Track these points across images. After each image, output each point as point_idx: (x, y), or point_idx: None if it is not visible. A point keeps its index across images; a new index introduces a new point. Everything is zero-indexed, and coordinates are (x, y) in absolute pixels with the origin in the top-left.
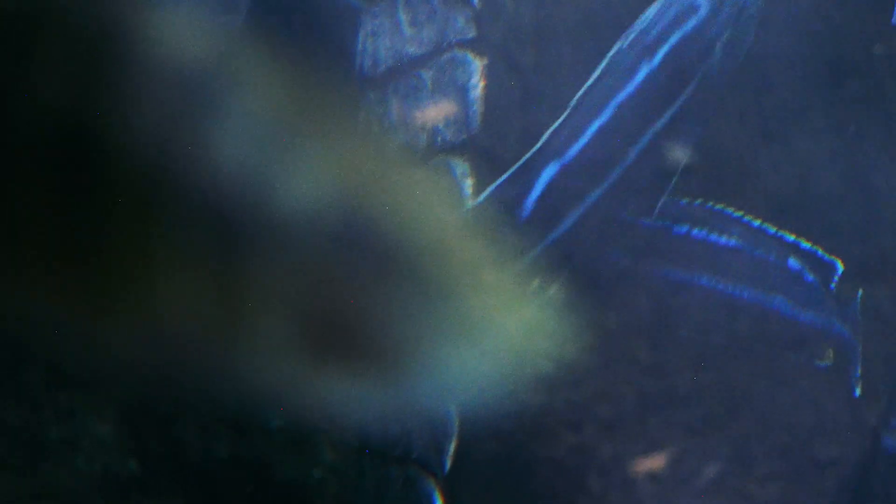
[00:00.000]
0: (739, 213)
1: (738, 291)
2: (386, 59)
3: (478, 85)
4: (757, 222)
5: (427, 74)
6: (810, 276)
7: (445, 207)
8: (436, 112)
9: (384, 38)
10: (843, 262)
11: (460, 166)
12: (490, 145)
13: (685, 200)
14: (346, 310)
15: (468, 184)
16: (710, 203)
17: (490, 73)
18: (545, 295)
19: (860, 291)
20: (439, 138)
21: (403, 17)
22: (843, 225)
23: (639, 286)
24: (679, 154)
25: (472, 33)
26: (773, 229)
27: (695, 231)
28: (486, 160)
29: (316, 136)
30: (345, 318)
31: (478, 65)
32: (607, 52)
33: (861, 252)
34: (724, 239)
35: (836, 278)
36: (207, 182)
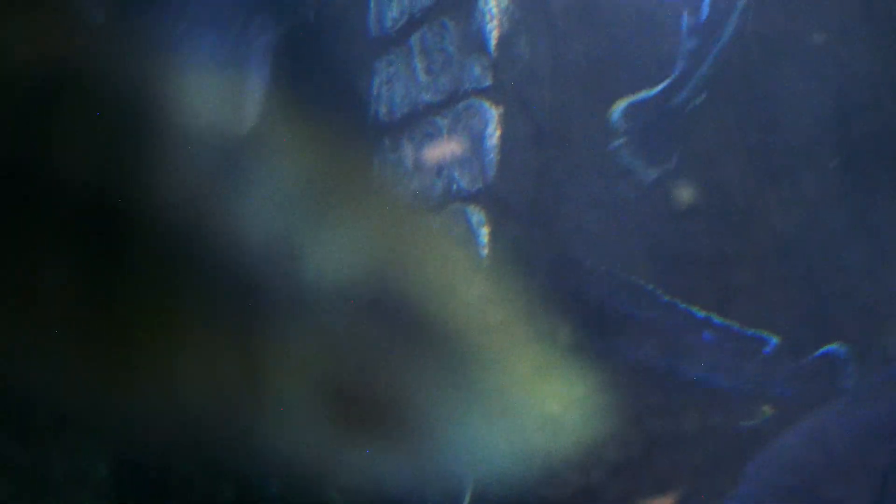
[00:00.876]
0: (651, 287)
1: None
2: (401, 106)
3: (494, 133)
4: (666, 298)
5: (443, 122)
6: (727, 346)
7: (468, 277)
8: (451, 160)
9: (399, 86)
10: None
11: (476, 215)
12: (506, 194)
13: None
14: (369, 377)
15: (484, 232)
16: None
17: (506, 121)
18: (556, 339)
19: (830, 347)
20: (455, 186)
21: (419, 64)
22: (851, 266)
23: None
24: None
25: (488, 81)
26: (682, 305)
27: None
28: (502, 209)
29: (339, 206)
30: (367, 386)
31: (494, 113)
32: (622, 98)
33: (869, 293)
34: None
35: (769, 348)
36: (231, 250)
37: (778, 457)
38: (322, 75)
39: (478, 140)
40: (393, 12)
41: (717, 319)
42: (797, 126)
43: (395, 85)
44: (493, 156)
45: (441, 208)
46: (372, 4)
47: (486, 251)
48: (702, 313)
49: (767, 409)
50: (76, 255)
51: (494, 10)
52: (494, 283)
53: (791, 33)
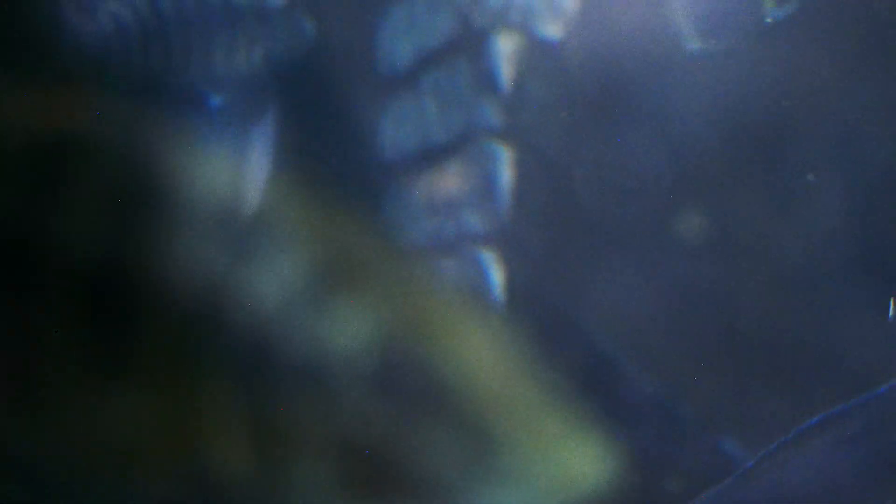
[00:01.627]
0: None
1: None
2: (411, 147)
3: (507, 175)
4: None
5: (454, 163)
6: None
7: (482, 349)
8: (462, 202)
9: (409, 126)
10: (860, 338)
11: (489, 257)
12: (519, 236)
13: None
14: (383, 450)
15: (496, 275)
16: None
17: (519, 163)
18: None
19: None
20: (466, 228)
21: (429, 104)
22: (860, 299)
23: None
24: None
25: (500, 122)
26: None
27: None
28: (515, 251)
29: (351, 278)
30: (381, 459)
31: (506, 154)
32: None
33: (879, 327)
34: None
35: None
36: (244, 322)
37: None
38: (329, 115)
39: (490, 181)
40: (403, 52)
41: None
42: (804, 157)
43: (404, 125)
44: (505, 198)
45: (452, 251)
46: (381, 42)
47: (499, 294)
48: None
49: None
50: (82, 332)
51: (507, 51)
52: (507, 346)
53: (797, 66)
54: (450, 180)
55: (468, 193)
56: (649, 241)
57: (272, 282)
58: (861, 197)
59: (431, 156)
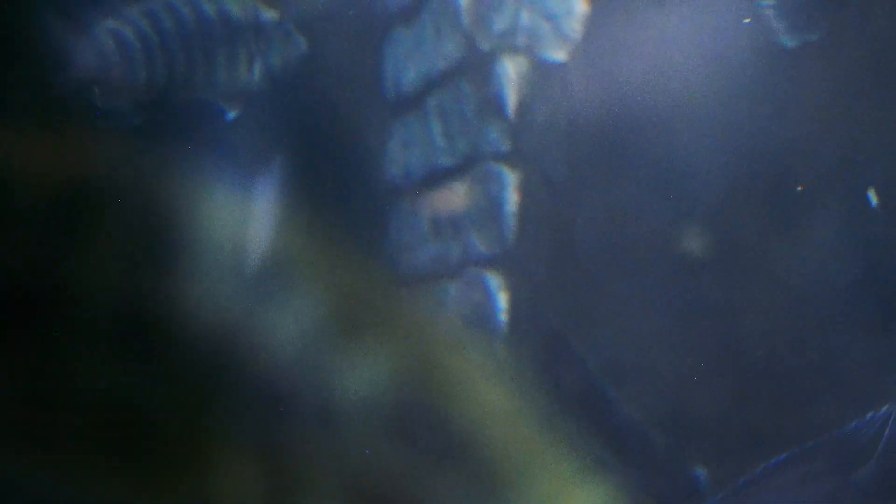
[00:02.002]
0: None
1: None
2: (418, 169)
3: (511, 198)
4: None
5: (460, 186)
6: None
7: (496, 393)
8: (469, 224)
9: (416, 149)
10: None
11: (494, 280)
12: (524, 259)
13: None
14: (396, 495)
15: (502, 298)
16: None
17: (524, 186)
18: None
19: None
20: (472, 251)
21: (435, 127)
22: (861, 317)
23: None
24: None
25: (506, 146)
26: None
27: None
28: (521, 274)
29: (366, 324)
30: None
31: (511, 178)
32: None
33: (879, 345)
34: None
35: None
36: (259, 366)
37: None
38: (337, 139)
39: (495, 205)
40: (410, 75)
41: None
42: (805, 176)
43: (411, 148)
44: (510, 221)
45: (458, 273)
46: (388, 67)
47: (503, 317)
48: None
49: None
50: (100, 378)
51: (512, 74)
52: (515, 391)
53: (798, 84)
54: (455, 203)
55: (473, 216)
56: (654, 263)
57: (283, 323)
58: (862, 217)
59: (437, 178)
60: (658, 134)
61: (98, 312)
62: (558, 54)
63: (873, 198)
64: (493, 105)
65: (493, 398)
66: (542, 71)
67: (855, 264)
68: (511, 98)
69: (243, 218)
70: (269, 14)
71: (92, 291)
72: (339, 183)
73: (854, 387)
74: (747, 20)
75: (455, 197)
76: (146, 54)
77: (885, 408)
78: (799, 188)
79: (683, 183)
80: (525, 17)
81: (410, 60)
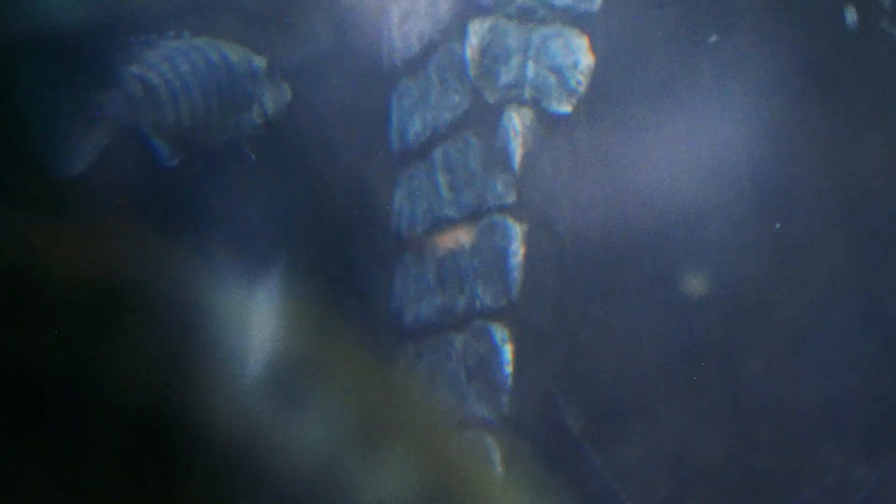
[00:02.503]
0: None
1: None
2: (423, 221)
3: (518, 251)
4: None
5: (465, 239)
6: None
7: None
8: (474, 276)
9: (421, 200)
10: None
11: (500, 332)
12: (530, 312)
13: None
14: None
15: (507, 350)
16: None
17: (530, 239)
18: None
19: None
20: (478, 303)
21: (441, 179)
22: (862, 360)
23: None
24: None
25: (511, 199)
26: None
27: None
28: (526, 328)
29: (385, 433)
30: None
31: (518, 230)
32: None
33: (880, 387)
34: None
35: None
36: (282, 472)
37: None
38: (343, 190)
39: (501, 257)
40: (415, 126)
41: None
42: (807, 218)
43: (417, 199)
44: (516, 274)
45: (463, 325)
46: (394, 118)
47: (509, 370)
48: None
49: None
50: (129, 475)
51: (519, 128)
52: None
53: (801, 127)
54: (460, 254)
55: (479, 268)
56: (656, 305)
57: (304, 431)
58: (863, 260)
59: (442, 230)
60: (661, 180)
61: (119, 413)
62: (564, 106)
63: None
64: (500, 157)
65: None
66: (548, 123)
67: (856, 307)
68: (517, 151)
69: (258, 311)
70: (259, 61)
71: (114, 392)
72: (346, 234)
73: (855, 429)
74: (713, 38)
75: (461, 249)
76: (171, 96)
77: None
78: (777, 225)
79: (685, 226)
80: (531, 70)
81: (416, 112)
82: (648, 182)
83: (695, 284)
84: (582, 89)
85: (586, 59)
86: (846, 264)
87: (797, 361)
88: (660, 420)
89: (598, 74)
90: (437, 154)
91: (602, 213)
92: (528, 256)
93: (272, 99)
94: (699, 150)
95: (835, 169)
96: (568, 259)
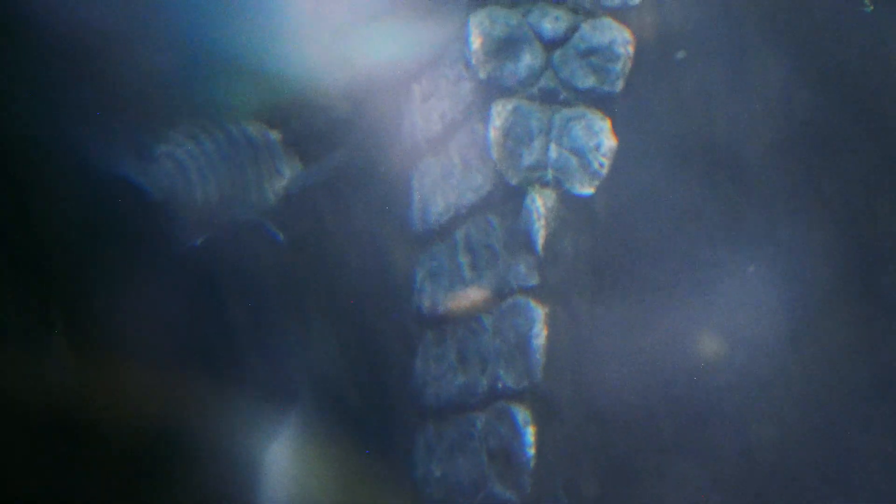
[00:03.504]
0: None
1: None
2: (445, 301)
3: (540, 333)
4: None
5: (488, 320)
6: None
7: None
8: (496, 357)
9: (443, 280)
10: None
11: (522, 413)
12: (550, 394)
13: None
14: None
15: (530, 432)
16: None
17: (552, 321)
18: None
19: None
20: (500, 384)
21: (463, 260)
22: (871, 420)
23: None
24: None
25: (534, 281)
26: None
27: None
28: (547, 409)
29: None
30: None
31: (540, 312)
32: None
33: (889, 446)
34: None
35: None
36: None
37: None
38: (365, 267)
39: (524, 339)
40: (437, 206)
41: None
42: (820, 280)
43: (438, 279)
44: (539, 356)
45: (485, 406)
46: (416, 198)
47: (531, 451)
48: None
49: None
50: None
51: (542, 209)
52: None
53: (811, 187)
54: (483, 333)
55: (501, 349)
56: (669, 370)
57: None
58: (872, 322)
59: (465, 311)
60: (676, 269)
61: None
62: (586, 188)
63: None
64: (522, 239)
65: None
66: (569, 205)
67: (865, 368)
68: (540, 233)
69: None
70: (274, 135)
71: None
72: (367, 321)
73: (865, 489)
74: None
75: (483, 330)
76: (198, 173)
77: None
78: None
79: (699, 294)
80: (553, 152)
81: (438, 191)
82: (666, 265)
83: (708, 351)
84: (604, 171)
85: (608, 142)
86: (857, 329)
87: (807, 424)
88: (672, 482)
89: (620, 156)
90: (459, 235)
91: (618, 299)
92: (550, 339)
93: (289, 172)
94: (715, 255)
95: (849, 232)
96: (586, 338)
